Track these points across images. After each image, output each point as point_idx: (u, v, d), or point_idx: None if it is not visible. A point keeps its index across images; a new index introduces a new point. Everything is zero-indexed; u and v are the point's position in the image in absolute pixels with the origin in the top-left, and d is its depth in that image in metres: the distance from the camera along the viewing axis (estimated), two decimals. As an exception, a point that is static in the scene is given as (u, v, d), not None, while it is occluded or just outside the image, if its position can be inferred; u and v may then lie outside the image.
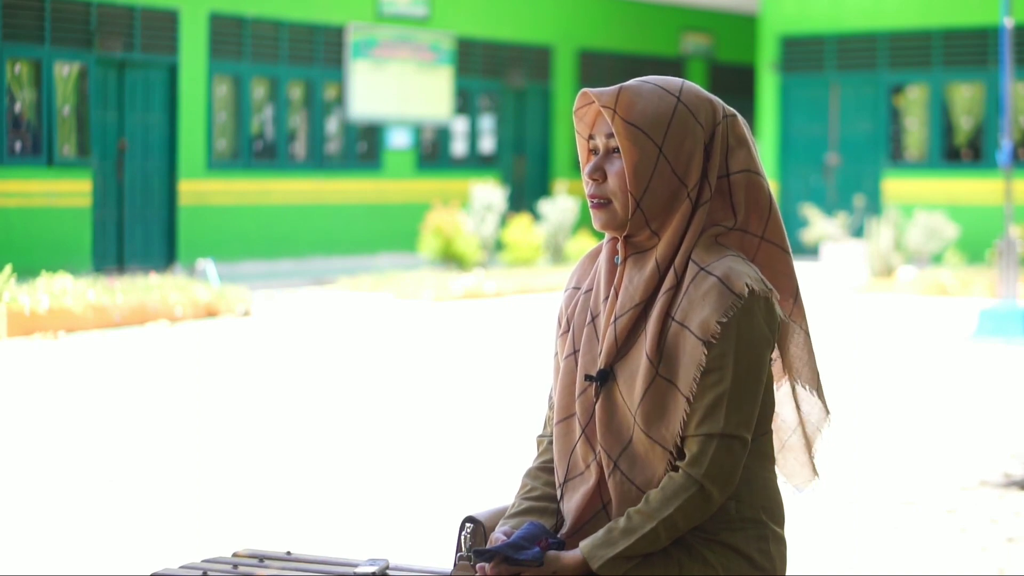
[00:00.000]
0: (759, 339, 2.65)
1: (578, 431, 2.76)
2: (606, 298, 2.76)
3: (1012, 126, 17.06)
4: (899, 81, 22.10)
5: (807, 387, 2.80)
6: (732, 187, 2.72)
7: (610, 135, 2.72)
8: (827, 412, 2.82)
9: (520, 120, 23.77)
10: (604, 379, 2.72)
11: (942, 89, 21.65)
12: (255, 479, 7.15)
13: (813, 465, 2.87)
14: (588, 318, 2.79)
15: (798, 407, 2.85)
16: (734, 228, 2.72)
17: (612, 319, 2.72)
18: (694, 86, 2.75)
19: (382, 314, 14.86)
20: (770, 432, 2.74)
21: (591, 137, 2.77)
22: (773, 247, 2.75)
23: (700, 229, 2.69)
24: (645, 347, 2.67)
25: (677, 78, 2.76)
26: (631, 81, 2.74)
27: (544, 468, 2.86)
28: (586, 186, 2.75)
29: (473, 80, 22.75)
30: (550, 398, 2.87)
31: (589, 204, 2.75)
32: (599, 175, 2.73)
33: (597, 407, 2.72)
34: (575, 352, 2.79)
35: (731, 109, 2.76)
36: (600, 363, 2.73)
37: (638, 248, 2.74)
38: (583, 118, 2.78)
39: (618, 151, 2.71)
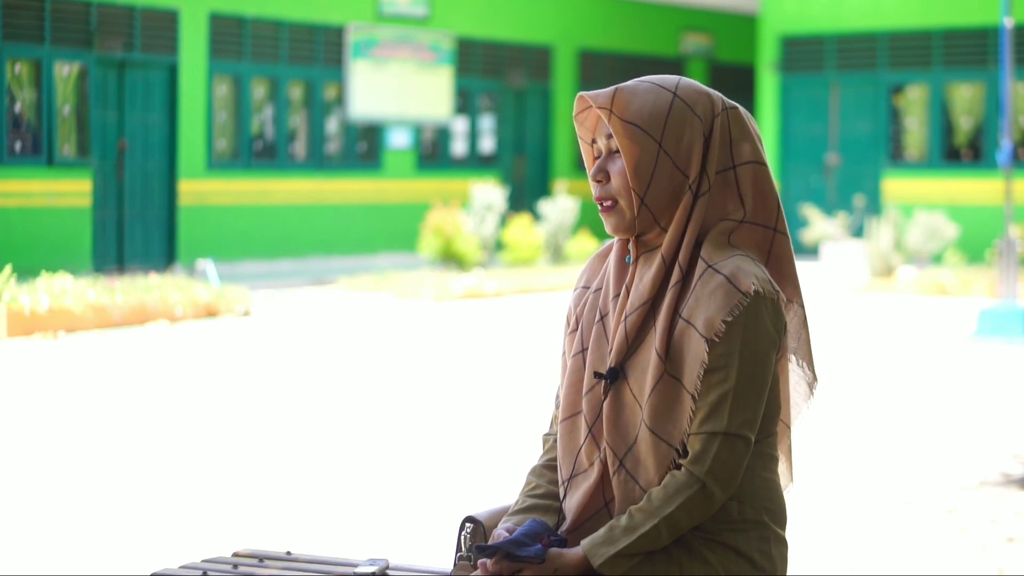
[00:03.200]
0: (765, 339, 2.65)
1: (584, 429, 2.76)
2: (615, 296, 2.77)
3: (1012, 126, 17.06)
4: (899, 81, 22.10)
5: (800, 361, 2.80)
6: (739, 178, 2.73)
7: (611, 136, 2.73)
8: (815, 379, 2.82)
9: (520, 120, 23.77)
10: (615, 377, 2.72)
11: (942, 89, 21.65)
12: (255, 479, 7.15)
13: (791, 470, 2.87)
14: (597, 317, 2.79)
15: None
16: (744, 220, 2.72)
17: (623, 317, 2.72)
18: (692, 81, 2.76)
19: (382, 314, 14.86)
20: (774, 434, 2.74)
21: (594, 141, 2.78)
22: (783, 237, 2.77)
23: (701, 220, 2.70)
24: (655, 343, 2.68)
25: (675, 75, 2.77)
26: (628, 81, 2.75)
27: (549, 466, 2.86)
28: (593, 190, 2.76)
29: (473, 80, 22.75)
30: (557, 396, 2.87)
31: (598, 208, 2.76)
32: (602, 176, 2.74)
33: (605, 405, 2.72)
34: (583, 350, 2.80)
35: (732, 102, 2.77)
36: (611, 361, 2.73)
37: (649, 247, 2.75)
38: (583, 123, 2.79)
39: (619, 151, 2.72)
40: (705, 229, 2.71)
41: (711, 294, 2.64)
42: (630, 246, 2.76)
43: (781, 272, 2.76)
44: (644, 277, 2.73)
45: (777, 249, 2.75)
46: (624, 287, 2.76)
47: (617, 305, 2.76)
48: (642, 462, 2.68)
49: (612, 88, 2.71)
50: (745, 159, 2.74)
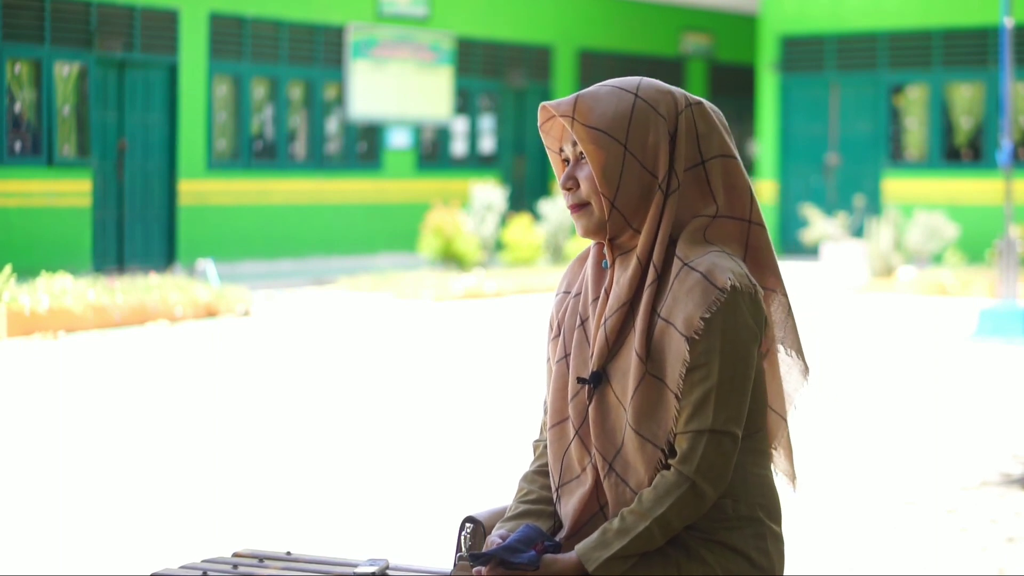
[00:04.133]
0: (745, 334, 2.64)
1: (572, 434, 2.76)
2: (595, 300, 2.77)
3: (1012, 126, 17.06)
4: (899, 81, 22.10)
5: (788, 350, 2.80)
6: (709, 173, 2.72)
7: (576, 143, 2.73)
8: (806, 369, 2.82)
9: (520, 120, 23.77)
10: (597, 381, 2.72)
11: (942, 89, 21.65)
12: (255, 479, 7.16)
13: (793, 466, 2.87)
14: (578, 322, 2.79)
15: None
16: (717, 215, 2.72)
17: (602, 320, 2.72)
18: (653, 81, 2.75)
19: (382, 314, 14.86)
20: (764, 429, 2.74)
21: (561, 150, 2.78)
22: (759, 227, 2.76)
23: (673, 218, 2.69)
24: (634, 345, 2.67)
25: (636, 77, 2.77)
26: (589, 88, 2.75)
27: (540, 472, 2.86)
28: (565, 198, 2.76)
29: (473, 80, 22.75)
30: (544, 403, 2.88)
31: (570, 213, 2.76)
32: (572, 184, 2.74)
33: (591, 409, 2.72)
34: (566, 356, 2.80)
35: (696, 98, 2.76)
36: (592, 365, 2.73)
37: (624, 249, 2.74)
38: (550, 132, 2.79)
39: (586, 157, 2.72)
40: (679, 227, 2.71)
41: (688, 292, 2.63)
42: (606, 250, 2.76)
43: (761, 263, 2.75)
44: (621, 279, 2.72)
45: (754, 240, 2.75)
46: (603, 291, 2.75)
47: (596, 309, 2.76)
48: (631, 464, 2.68)
49: (573, 96, 2.71)
50: (714, 153, 2.73)
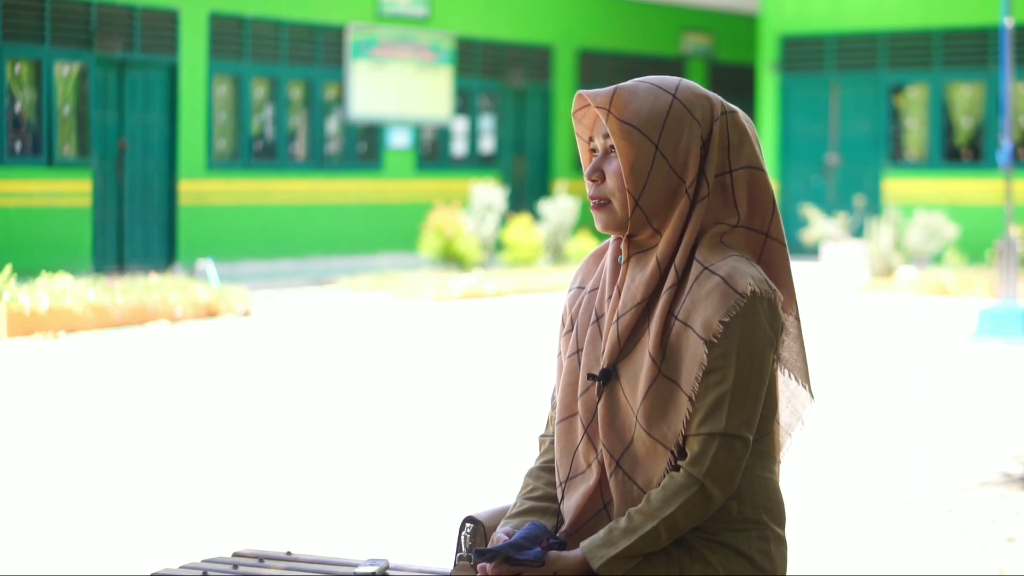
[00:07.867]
0: (762, 339, 2.64)
1: (580, 430, 2.76)
2: (609, 297, 2.76)
3: (1012, 126, 17.06)
4: (899, 81, 22.10)
5: (794, 376, 2.79)
6: (734, 183, 2.72)
7: (608, 136, 2.72)
8: (811, 397, 2.82)
9: (520, 120, 23.77)
10: (607, 378, 2.72)
11: (942, 89, 21.65)
12: (255, 479, 7.16)
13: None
14: (592, 317, 2.79)
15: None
16: (738, 225, 2.71)
17: (615, 318, 2.72)
18: (692, 83, 2.75)
19: (382, 314, 14.86)
20: (772, 433, 2.74)
21: (591, 139, 2.77)
22: (776, 243, 2.75)
23: (699, 225, 2.69)
24: (648, 346, 2.67)
25: (675, 77, 2.76)
26: (628, 81, 2.74)
27: (546, 468, 2.86)
28: (588, 188, 2.76)
29: (473, 80, 22.75)
30: (553, 397, 2.87)
31: (590, 205, 2.75)
32: (598, 175, 2.74)
33: (600, 406, 2.72)
34: (578, 351, 2.79)
35: (731, 105, 2.75)
36: (603, 362, 2.72)
37: (641, 247, 2.74)
38: (582, 120, 2.78)
39: (615, 151, 2.71)
40: (701, 233, 2.70)
41: (707, 295, 2.63)
42: (622, 246, 2.76)
43: (774, 279, 2.74)
44: (636, 279, 2.72)
45: (768, 255, 2.74)
46: (616, 288, 2.75)
47: (611, 306, 2.75)
48: (640, 463, 2.68)
49: (611, 88, 2.70)
50: (742, 164, 2.72)
